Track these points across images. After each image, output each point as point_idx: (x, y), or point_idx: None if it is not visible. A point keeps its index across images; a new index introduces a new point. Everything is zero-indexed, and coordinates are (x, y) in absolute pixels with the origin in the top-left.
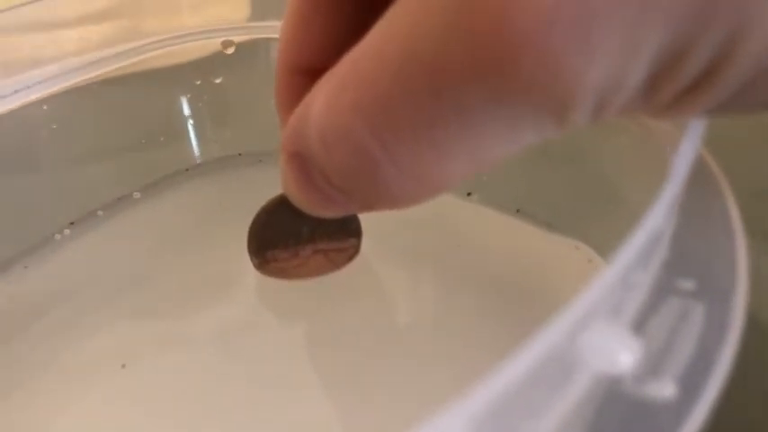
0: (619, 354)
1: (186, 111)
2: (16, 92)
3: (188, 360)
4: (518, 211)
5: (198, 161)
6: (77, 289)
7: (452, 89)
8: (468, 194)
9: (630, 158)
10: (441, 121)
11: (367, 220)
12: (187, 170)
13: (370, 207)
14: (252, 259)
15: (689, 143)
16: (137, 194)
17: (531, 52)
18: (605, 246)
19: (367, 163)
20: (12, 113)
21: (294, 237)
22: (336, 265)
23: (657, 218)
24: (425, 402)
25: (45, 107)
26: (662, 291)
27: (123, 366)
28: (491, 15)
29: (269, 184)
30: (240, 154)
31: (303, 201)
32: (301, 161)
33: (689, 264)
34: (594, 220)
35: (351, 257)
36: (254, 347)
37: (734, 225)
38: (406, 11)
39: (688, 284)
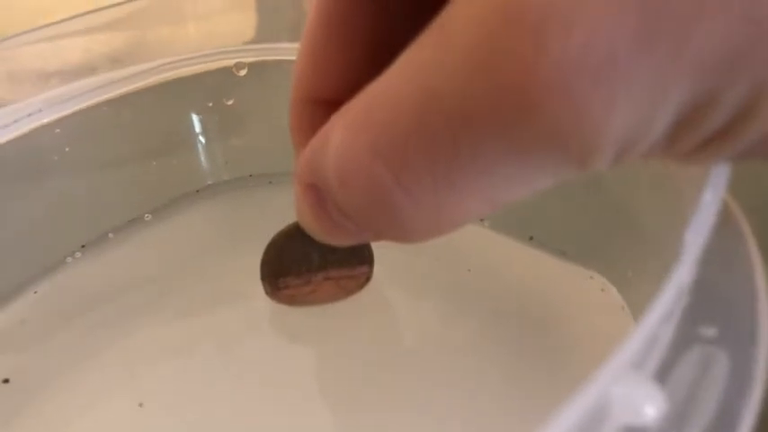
0: (644, 406)
1: (197, 132)
2: (30, 115)
3: (198, 383)
4: (531, 238)
5: (209, 182)
6: (88, 311)
7: (471, 135)
8: (481, 220)
9: (646, 188)
10: (458, 165)
11: (378, 244)
12: (198, 192)
13: (384, 238)
14: (264, 287)
15: (714, 191)
16: (148, 216)
17: (555, 102)
18: (619, 275)
19: (384, 200)
20: (25, 137)
21: (306, 264)
22: (347, 292)
23: (686, 274)
24: (432, 427)
25: (57, 130)
26: (684, 339)
27: (141, 405)
28: (515, 65)
29: (280, 205)
30: (251, 175)
31: (317, 230)
32: (317, 192)
33: (710, 310)
34: (608, 249)
35: (362, 285)
36: (263, 367)
37: (755, 269)
38: (425, 52)
39: (710, 332)
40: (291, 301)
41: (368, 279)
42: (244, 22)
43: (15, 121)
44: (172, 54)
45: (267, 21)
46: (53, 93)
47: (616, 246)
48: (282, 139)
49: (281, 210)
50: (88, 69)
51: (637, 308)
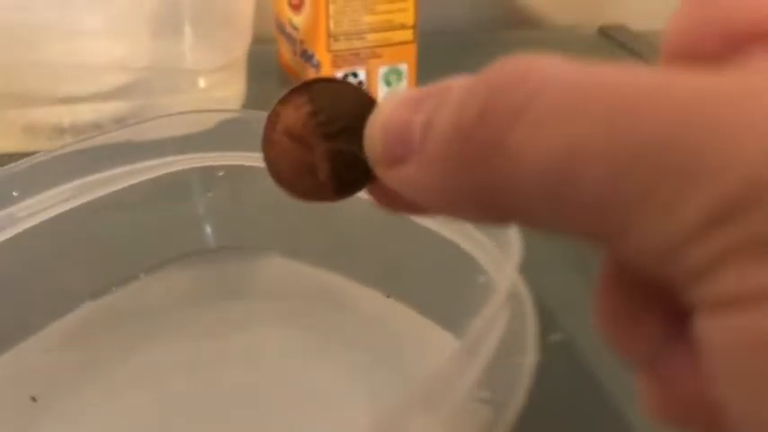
0: None
1: (188, 211)
2: (46, 209)
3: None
4: (388, 296)
5: (199, 247)
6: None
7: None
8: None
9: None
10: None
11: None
12: (189, 256)
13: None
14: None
15: (506, 281)
16: (142, 276)
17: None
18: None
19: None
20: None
21: (326, 117)
22: (338, 189)
23: (465, 351)
24: None
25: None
26: (465, 397)
27: None
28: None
29: (260, 276)
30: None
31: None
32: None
33: (487, 379)
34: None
35: (355, 187)
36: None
37: (528, 346)
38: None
39: (485, 394)
40: (278, 153)
41: (363, 185)
42: (234, 89)
43: (30, 214)
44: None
45: (255, 90)
46: (62, 188)
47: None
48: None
49: (261, 282)
50: (96, 127)
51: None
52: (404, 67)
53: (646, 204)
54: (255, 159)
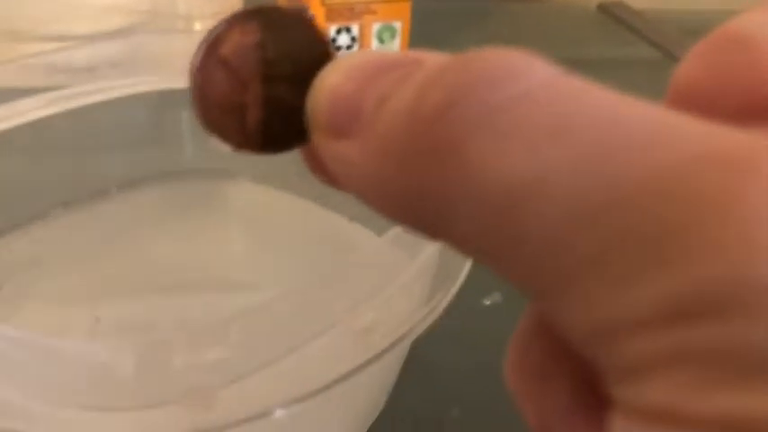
0: None
1: (175, 129)
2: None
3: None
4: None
5: (181, 168)
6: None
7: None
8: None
9: None
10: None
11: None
12: (169, 174)
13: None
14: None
15: None
16: (114, 190)
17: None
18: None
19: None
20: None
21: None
22: (274, 140)
23: None
24: None
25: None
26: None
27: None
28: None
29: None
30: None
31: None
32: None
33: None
34: None
35: (286, 145)
36: None
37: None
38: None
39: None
40: (208, 84)
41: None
42: None
43: (28, 111)
44: (163, 62)
45: None
46: (58, 92)
47: None
48: None
49: (229, 204)
50: (88, 70)
51: None
52: (398, 24)
53: (597, 267)
54: None
